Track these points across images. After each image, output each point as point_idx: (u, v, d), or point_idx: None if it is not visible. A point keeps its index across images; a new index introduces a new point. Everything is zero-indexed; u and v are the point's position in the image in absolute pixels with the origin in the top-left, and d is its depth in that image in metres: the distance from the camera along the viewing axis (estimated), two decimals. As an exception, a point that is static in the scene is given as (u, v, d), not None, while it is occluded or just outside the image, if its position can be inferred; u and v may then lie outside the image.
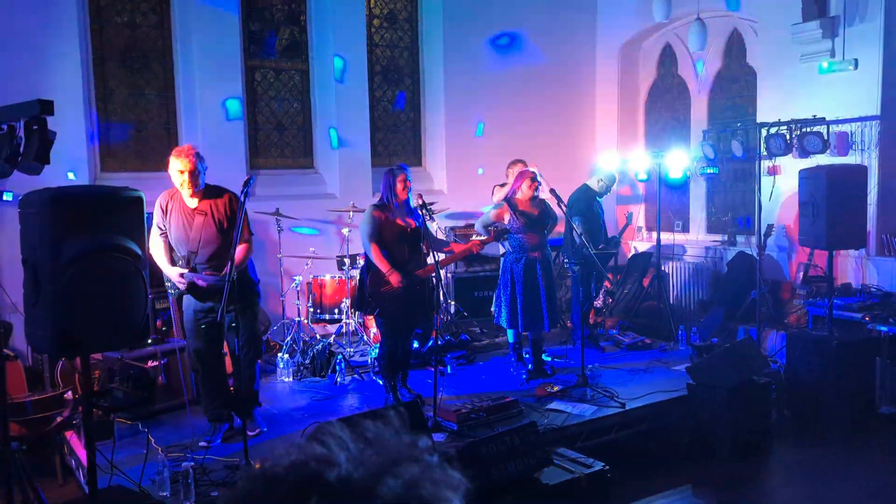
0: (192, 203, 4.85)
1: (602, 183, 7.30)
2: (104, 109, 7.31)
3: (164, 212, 4.90)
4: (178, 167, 4.72)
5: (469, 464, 4.09)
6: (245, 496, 0.80)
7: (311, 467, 0.78)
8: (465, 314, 7.96)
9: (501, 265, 6.43)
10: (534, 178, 6.19)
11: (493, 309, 6.51)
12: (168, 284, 5.16)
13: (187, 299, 4.97)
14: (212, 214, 4.86)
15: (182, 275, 4.76)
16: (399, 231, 5.47)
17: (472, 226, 7.99)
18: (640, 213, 9.39)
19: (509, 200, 6.23)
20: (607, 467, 4.42)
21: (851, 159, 6.97)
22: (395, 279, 5.37)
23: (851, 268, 7.08)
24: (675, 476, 5.18)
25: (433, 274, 5.34)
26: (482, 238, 6.06)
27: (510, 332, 6.46)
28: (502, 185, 7.33)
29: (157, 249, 4.91)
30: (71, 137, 6.62)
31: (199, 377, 5.15)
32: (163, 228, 4.91)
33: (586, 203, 7.12)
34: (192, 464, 4.30)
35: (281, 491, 0.78)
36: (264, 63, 8.17)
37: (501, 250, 6.47)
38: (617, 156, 8.83)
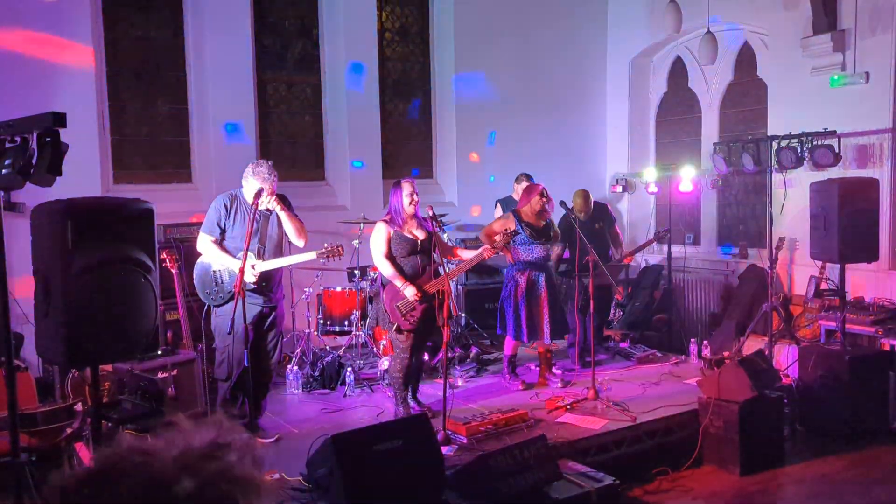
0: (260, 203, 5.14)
1: (573, 205, 7.26)
2: (117, 122, 7.37)
3: (228, 211, 5.17)
4: (264, 188, 5.05)
5: (478, 477, 4.07)
6: (63, 486, 0.85)
7: (129, 462, 0.83)
8: (476, 326, 7.94)
9: (505, 276, 6.45)
10: (543, 194, 6.22)
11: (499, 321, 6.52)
12: (214, 289, 5.17)
13: (236, 304, 4.97)
14: (276, 214, 5.25)
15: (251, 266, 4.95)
16: (410, 244, 5.48)
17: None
18: (650, 226, 9.35)
19: (515, 212, 6.31)
20: (617, 481, 4.40)
21: (863, 172, 6.94)
22: (410, 293, 5.37)
23: (864, 281, 7.03)
24: (687, 491, 5.13)
25: (443, 285, 5.35)
26: (493, 245, 6.07)
27: (511, 345, 6.46)
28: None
29: (212, 247, 5.14)
30: (83, 149, 6.67)
31: (230, 385, 5.12)
32: (223, 227, 5.16)
33: (566, 227, 6.93)
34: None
35: (92, 482, 0.83)
36: (276, 76, 8.22)
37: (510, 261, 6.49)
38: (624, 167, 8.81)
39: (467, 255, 5.80)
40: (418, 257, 5.49)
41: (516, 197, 7.54)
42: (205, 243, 5.18)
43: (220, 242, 5.17)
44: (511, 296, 6.27)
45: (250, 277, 5.00)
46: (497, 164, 8.96)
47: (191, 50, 7.60)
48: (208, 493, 0.80)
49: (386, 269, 5.46)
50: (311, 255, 5.29)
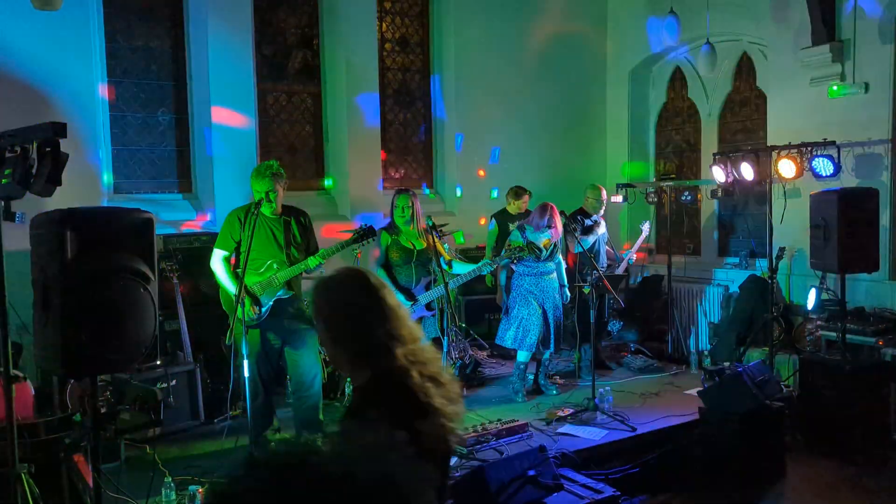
0: (277, 214, 5.07)
1: (590, 200, 7.31)
2: (118, 132, 7.37)
3: (242, 223, 4.98)
4: (265, 188, 4.91)
5: (477, 489, 4.05)
6: (236, 481, 0.87)
7: (297, 453, 0.86)
8: (475, 336, 7.93)
9: (511, 289, 6.45)
10: (550, 224, 6.25)
11: (506, 332, 6.51)
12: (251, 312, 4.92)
13: (234, 315, 4.83)
14: (293, 220, 5.14)
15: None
16: (406, 253, 5.48)
17: (483, 248, 8.00)
18: (651, 236, 9.35)
19: (520, 227, 6.35)
20: (618, 493, 4.37)
21: (863, 182, 6.93)
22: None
23: (864, 292, 7.01)
24: (688, 501, 5.11)
25: (442, 296, 5.35)
26: (493, 258, 6.10)
27: (522, 353, 6.43)
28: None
29: (223, 266, 5.00)
30: (84, 159, 6.68)
31: (253, 405, 4.96)
32: (237, 240, 4.99)
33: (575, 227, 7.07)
34: (199, 487, 4.29)
35: (268, 473, 0.85)
36: (277, 86, 8.23)
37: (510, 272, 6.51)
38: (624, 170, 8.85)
39: (463, 268, 5.78)
40: (414, 267, 5.49)
41: (510, 210, 7.51)
42: (216, 261, 5.02)
43: (232, 258, 5.02)
44: (516, 307, 6.29)
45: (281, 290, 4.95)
46: (497, 175, 8.96)
47: (192, 59, 7.61)
48: (393, 480, 0.84)
49: (379, 275, 5.46)
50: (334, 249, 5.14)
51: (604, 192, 7.43)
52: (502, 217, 7.52)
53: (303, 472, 0.83)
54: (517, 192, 7.47)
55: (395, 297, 2.06)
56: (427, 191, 8.85)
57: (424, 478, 0.88)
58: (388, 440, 0.90)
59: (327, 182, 8.41)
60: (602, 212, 7.41)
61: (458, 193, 8.95)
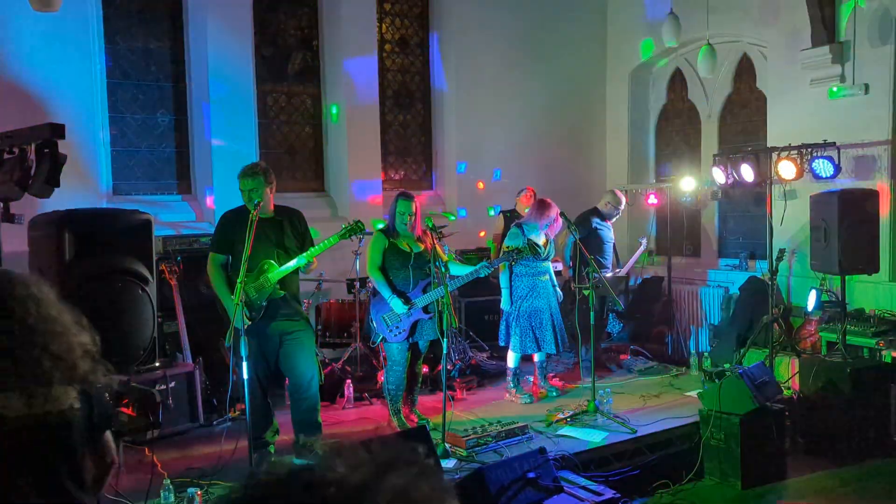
0: (270, 215, 4.94)
1: (609, 205, 7.31)
2: (117, 133, 7.36)
3: (234, 224, 4.87)
4: (248, 186, 4.79)
5: (477, 491, 4.04)
6: (248, 499, 0.85)
7: (314, 471, 0.84)
8: (476, 338, 7.91)
9: (510, 290, 6.43)
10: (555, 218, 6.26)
11: (505, 336, 6.50)
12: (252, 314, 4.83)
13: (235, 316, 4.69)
14: (285, 221, 5.00)
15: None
16: (404, 257, 5.46)
17: (482, 249, 8.02)
18: (651, 238, 9.34)
19: (518, 226, 6.33)
20: (619, 495, 4.36)
21: (863, 184, 6.92)
22: (397, 305, 5.36)
23: (864, 293, 7.00)
24: (688, 504, 5.10)
25: (442, 298, 5.33)
26: (489, 261, 6.08)
27: (514, 357, 6.42)
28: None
29: (218, 273, 4.87)
30: (82, 161, 6.67)
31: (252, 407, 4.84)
32: (230, 243, 4.87)
33: (586, 223, 7.13)
34: (198, 489, 4.27)
35: (287, 492, 0.82)
36: (276, 87, 8.22)
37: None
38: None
39: (461, 270, 5.75)
40: (411, 270, 5.47)
41: (520, 210, 7.55)
42: (213, 267, 4.87)
43: (228, 263, 4.90)
44: (516, 308, 6.27)
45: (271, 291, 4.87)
46: (497, 176, 8.96)
47: (191, 60, 7.60)
48: (409, 494, 0.82)
49: (376, 279, 5.45)
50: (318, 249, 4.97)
51: (623, 200, 7.44)
52: (512, 214, 7.59)
53: (324, 488, 0.81)
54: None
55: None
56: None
57: (444, 490, 0.86)
58: (406, 454, 0.88)
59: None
60: (614, 219, 7.44)
61: (459, 207, 8.96)
